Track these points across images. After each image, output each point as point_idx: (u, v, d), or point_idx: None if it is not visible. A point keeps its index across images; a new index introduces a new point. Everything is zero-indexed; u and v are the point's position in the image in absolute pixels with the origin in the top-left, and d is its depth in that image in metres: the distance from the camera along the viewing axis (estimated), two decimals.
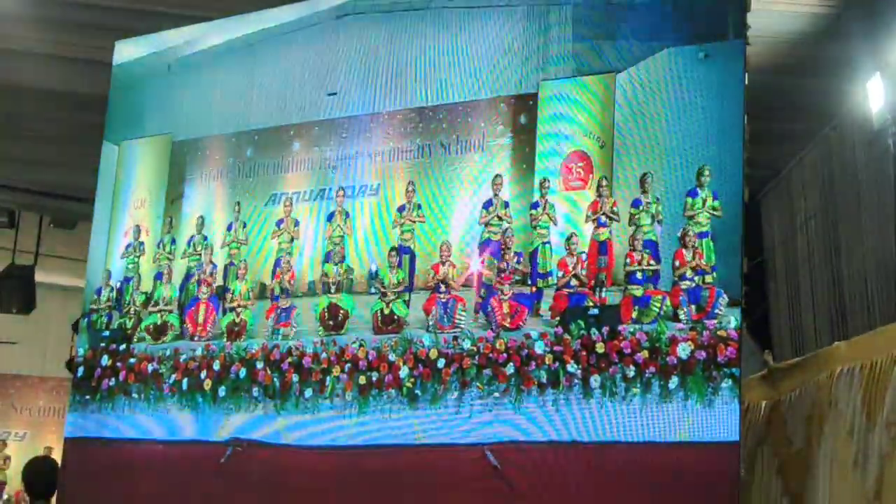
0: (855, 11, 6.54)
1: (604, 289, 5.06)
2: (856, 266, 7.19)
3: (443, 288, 5.44)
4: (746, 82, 4.79)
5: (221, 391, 5.91)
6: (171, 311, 6.37)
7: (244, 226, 6.25)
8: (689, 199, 4.91)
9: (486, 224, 5.43)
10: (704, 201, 4.88)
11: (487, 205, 5.45)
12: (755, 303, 8.25)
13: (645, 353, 4.73)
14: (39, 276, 11.86)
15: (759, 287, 8.45)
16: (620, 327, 4.86)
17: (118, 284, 6.66)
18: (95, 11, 7.40)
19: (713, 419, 4.57)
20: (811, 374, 4.82)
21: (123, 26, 7.22)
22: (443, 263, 5.49)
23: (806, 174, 8.11)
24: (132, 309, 6.52)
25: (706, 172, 4.86)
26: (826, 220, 7.71)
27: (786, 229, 8.51)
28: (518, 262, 5.31)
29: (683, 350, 4.65)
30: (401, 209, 5.71)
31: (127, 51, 7.04)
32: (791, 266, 8.35)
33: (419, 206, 5.66)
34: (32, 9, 7.41)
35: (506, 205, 5.41)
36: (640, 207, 5.02)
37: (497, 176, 5.47)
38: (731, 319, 4.66)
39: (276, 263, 6.06)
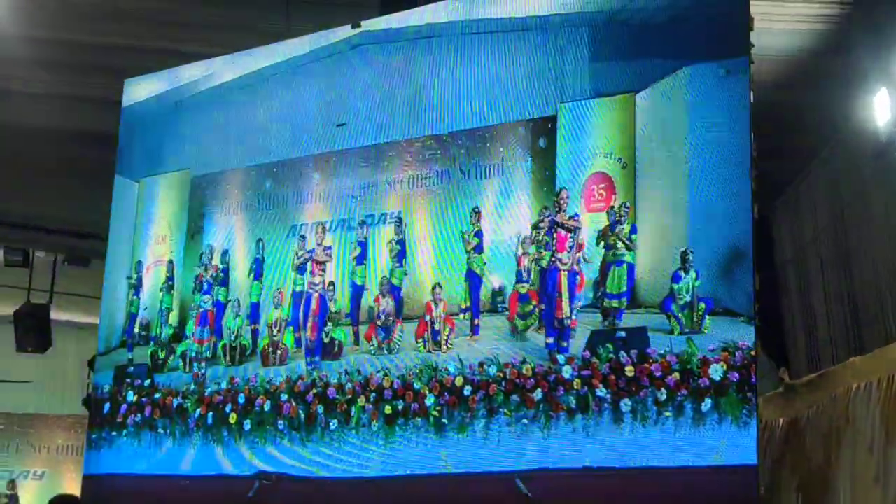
0: (859, 26, 6.58)
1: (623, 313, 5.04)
2: (868, 279, 7.20)
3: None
4: (752, 99, 4.79)
5: (247, 424, 5.88)
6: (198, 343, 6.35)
7: (266, 258, 6.26)
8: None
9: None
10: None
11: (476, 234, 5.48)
12: (769, 320, 8.24)
13: (676, 376, 4.66)
14: (54, 315, 11.85)
15: (772, 303, 8.45)
16: (649, 350, 4.80)
17: (143, 320, 6.66)
18: (102, 52, 7.47)
19: (738, 440, 4.48)
20: (828, 390, 4.79)
21: (131, 65, 7.26)
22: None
23: (815, 189, 8.13)
24: (160, 343, 6.52)
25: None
26: (836, 234, 7.72)
27: (797, 244, 8.52)
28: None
29: (716, 371, 4.57)
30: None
31: (137, 88, 7.07)
32: (803, 281, 8.35)
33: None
34: (40, 52, 7.47)
35: (477, 234, 5.44)
36: None
37: (475, 208, 5.50)
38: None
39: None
